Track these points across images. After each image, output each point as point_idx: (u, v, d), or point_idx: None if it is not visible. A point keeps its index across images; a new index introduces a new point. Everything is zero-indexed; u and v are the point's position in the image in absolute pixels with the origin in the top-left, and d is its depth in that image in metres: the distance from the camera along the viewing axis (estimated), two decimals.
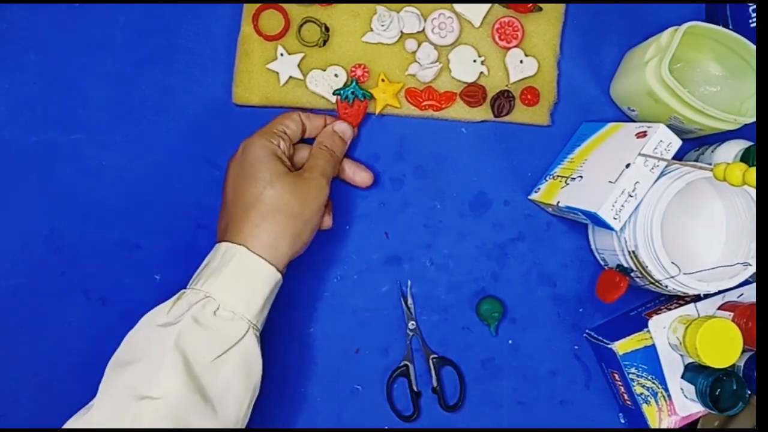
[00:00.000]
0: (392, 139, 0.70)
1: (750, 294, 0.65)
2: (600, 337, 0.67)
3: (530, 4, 0.67)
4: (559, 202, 0.64)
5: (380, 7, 0.67)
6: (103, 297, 0.69)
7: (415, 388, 0.69)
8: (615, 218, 0.58)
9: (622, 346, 0.64)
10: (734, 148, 0.64)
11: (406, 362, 0.69)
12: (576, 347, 0.71)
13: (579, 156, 0.66)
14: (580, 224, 0.70)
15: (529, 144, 0.70)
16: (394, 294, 0.70)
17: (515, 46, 0.68)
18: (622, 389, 0.67)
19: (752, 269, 0.60)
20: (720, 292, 0.63)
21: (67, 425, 0.53)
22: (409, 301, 0.70)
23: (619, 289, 0.62)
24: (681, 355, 0.64)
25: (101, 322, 0.68)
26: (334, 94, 0.67)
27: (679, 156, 0.63)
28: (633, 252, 0.61)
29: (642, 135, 0.60)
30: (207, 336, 0.55)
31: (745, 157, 0.63)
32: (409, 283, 0.70)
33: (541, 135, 0.70)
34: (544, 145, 0.70)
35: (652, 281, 0.61)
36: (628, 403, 0.67)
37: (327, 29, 0.68)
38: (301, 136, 0.65)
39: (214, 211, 0.64)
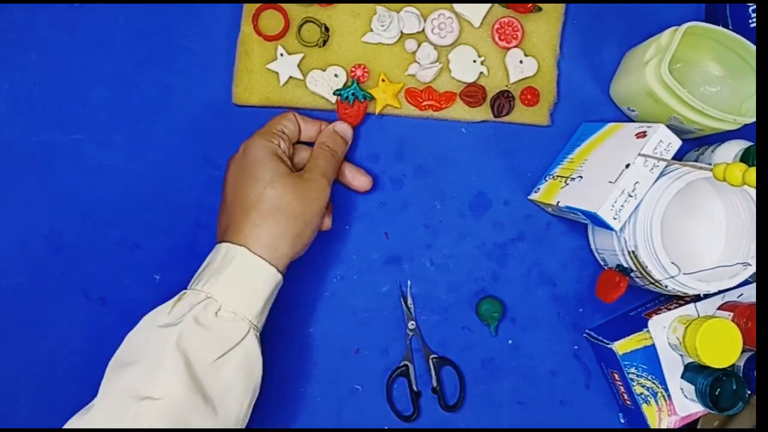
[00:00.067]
0: (392, 140, 0.70)
1: (750, 294, 0.65)
2: (600, 337, 0.67)
3: (530, 4, 0.67)
4: (558, 202, 0.64)
5: (380, 8, 0.67)
6: (103, 297, 0.69)
7: (415, 388, 0.69)
8: (615, 218, 0.58)
9: (622, 346, 0.64)
10: (734, 148, 0.64)
11: (406, 362, 0.69)
12: (576, 347, 0.71)
13: (579, 156, 0.66)
14: (580, 224, 0.70)
15: (529, 144, 0.70)
16: (393, 294, 0.70)
17: (515, 46, 0.68)
18: (622, 389, 0.67)
19: (752, 269, 0.61)
20: (720, 292, 0.63)
21: (68, 425, 0.53)
22: (409, 301, 0.70)
23: (618, 289, 0.62)
24: (681, 355, 0.64)
25: (101, 322, 0.68)
26: (334, 94, 0.67)
27: (679, 156, 0.63)
28: (633, 252, 0.61)
29: (642, 135, 0.60)
30: (208, 337, 0.55)
31: (744, 157, 0.63)
32: (409, 283, 0.70)
33: (541, 135, 0.70)
34: (544, 145, 0.70)
35: (652, 281, 0.61)
36: (628, 403, 0.67)
37: (327, 29, 0.68)
38: (298, 136, 0.65)
39: (214, 211, 0.64)
